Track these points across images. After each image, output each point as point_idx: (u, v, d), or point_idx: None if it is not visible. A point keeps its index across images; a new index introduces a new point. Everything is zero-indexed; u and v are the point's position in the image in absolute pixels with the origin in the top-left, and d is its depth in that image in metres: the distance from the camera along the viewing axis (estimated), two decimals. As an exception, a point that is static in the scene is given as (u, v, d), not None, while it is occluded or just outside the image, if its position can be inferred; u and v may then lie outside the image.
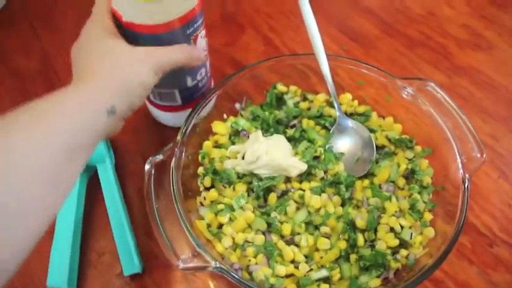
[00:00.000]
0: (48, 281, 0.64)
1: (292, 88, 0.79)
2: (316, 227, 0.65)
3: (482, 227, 0.71)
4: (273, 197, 0.66)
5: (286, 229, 0.64)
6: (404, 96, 0.72)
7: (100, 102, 0.50)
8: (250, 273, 0.61)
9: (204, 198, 0.67)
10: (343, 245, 0.64)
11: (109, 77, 0.53)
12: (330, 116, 0.76)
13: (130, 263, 0.66)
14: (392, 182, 0.70)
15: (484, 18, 0.97)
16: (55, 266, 0.64)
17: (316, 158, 0.69)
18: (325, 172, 0.69)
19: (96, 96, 0.50)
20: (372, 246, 0.63)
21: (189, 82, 0.69)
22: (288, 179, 0.69)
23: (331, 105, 0.76)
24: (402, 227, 0.64)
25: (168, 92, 0.70)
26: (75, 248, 0.67)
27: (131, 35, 0.59)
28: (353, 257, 0.63)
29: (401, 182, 0.69)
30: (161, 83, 0.59)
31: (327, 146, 0.72)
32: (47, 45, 0.95)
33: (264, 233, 0.65)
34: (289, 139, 0.72)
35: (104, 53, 0.55)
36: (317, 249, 0.64)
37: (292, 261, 0.63)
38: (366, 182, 0.70)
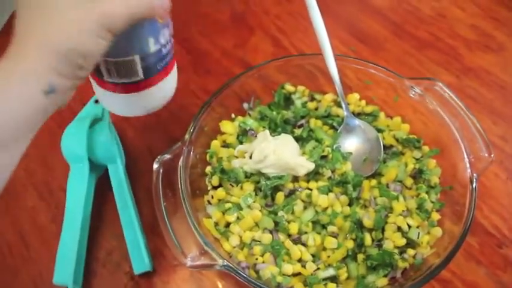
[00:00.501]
0: (54, 279, 0.64)
1: (300, 88, 0.79)
2: (324, 226, 0.65)
3: (491, 227, 0.71)
4: (280, 196, 0.66)
5: (294, 228, 0.64)
6: (412, 96, 0.72)
7: (34, 83, 0.42)
8: (257, 272, 0.62)
9: (212, 197, 0.68)
10: (350, 244, 0.64)
11: (44, 43, 0.42)
12: (338, 116, 0.76)
13: (140, 261, 0.66)
14: (400, 181, 0.70)
15: (493, 20, 0.96)
16: (61, 263, 0.65)
17: (323, 157, 0.69)
18: (332, 171, 0.69)
19: (28, 76, 0.42)
20: (379, 246, 0.63)
21: (152, 45, 0.53)
22: (295, 178, 0.69)
23: (338, 105, 0.76)
24: (409, 227, 0.64)
25: (127, 61, 0.53)
26: (82, 247, 0.68)
27: None
28: (360, 256, 0.63)
29: (409, 181, 0.69)
30: (116, 49, 0.48)
31: (334, 146, 0.72)
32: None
33: (271, 232, 0.65)
34: (297, 139, 0.72)
35: (41, 4, 0.44)
36: (324, 249, 0.64)
37: (299, 260, 0.63)
38: (374, 181, 0.70)
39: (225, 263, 0.56)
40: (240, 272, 0.56)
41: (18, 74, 0.41)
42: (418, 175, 0.69)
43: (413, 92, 0.72)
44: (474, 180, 0.63)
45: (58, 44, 0.42)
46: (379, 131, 0.74)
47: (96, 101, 0.75)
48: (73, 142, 0.71)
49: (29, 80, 0.42)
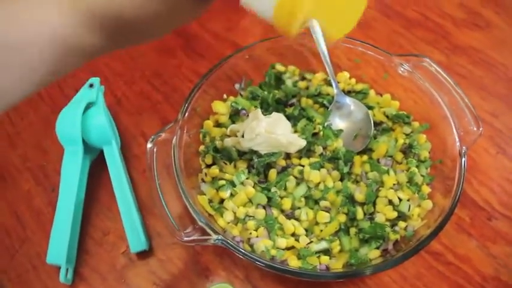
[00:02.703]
0: (47, 258, 0.66)
1: (291, 68, 0.80)
2: (316, 201, 0.67)
3: (481, 201, 0.72)
4: (273, 173, 0.67)
5: (286, 203, 0.65)
6: (401, 72, 0.73)
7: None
8: (251, 246, 0.63)
9: (206, 175, 0.68)
10: (342, 218, 0.65)
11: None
12: (328, 94, 0.76)
13: (137, 240, 0.67)
14: (390, 156, 0.71)
15: (481, -3, 0.97)
16: (54, 244, 0.66)
17: (315, 134, 0.70)
18: (324, 148, 0.70)
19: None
20: (371, 219, 0.64)
21: None
22: (287, 156, 0.70)
23: (329, 84, 0.76)
24: (400, 200, 0.65)
25: None
26: (75, 227, 0.69)
27: None
28: (352, 230, 0.64)
29: (399, 156, 0.70)
30: None
31: (325, 123, 0.72)
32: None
33: (264, 208, 0.66)
34: (289, 117, 0.72)
35: None
36: (317, 223, 0.65)
37: (293, 235, 0.64)
38: (365, 157, 0.71)
39: (220, 237, 0.57)
40: (234, 245, 0.57)
41: None
42: (408, 150, 0.70)
43: (401, 69, 0.73)
44: (463, 153, 0.64)
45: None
46: (369, 108, 0.75)
47: (91, 86, 0.76)
48: (67, 124, 0.71)
49: None
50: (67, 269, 0.66)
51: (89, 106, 0.74)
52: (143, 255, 0.68)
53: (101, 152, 0.75)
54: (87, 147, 0.73)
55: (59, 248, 0.66)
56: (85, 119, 0.72)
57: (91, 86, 0.76)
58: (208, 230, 0.58)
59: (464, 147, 0.64)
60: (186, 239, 0.58)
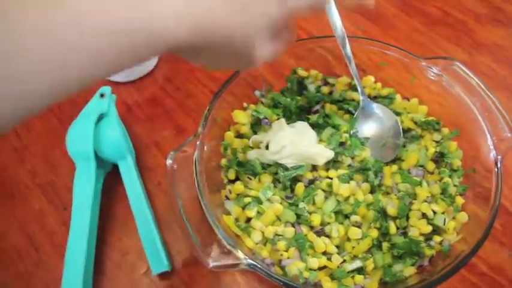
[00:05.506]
0: (62, 286, 0.61)
1: (313, 72, 0.76)
2: (347, 216, 0.63)
3: (513, 208, 0.69)
4: (300, 187, 0.64)
5: (316, 220, 0.62)
6: (430, 77, 0.70)
7: None
8: (282, 268, 0.60)
9: (230, 192, 0.65)
10: (374, 233, 0.62)
11: None
12: (353, 100, 0.73)
13: (158, 261, 0.64)
14: (422, 166, 0.68)
15: (502, -9, 0.94)
16: (69, 268, 0.62)
17: (341, 144, 0.67)
18: (352, 158, 0.67)
19: None
20: (405, 234, 0.62)
21: None
22: (314, 168, 0.66)
23: (353, 88, 0.73)
24: (434, 213, 0.62)
25: None
26: (91, 249, 0.65)
27: None
28: (385, 245, 0.61)
29: (431, 166, 0.67)
30: None
31: (352, 131, 0.69)
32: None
33: (293, 225, 0.63)
34: (313, 125, 0.69)
35: None
36: (348, 239, 0.62)
37: (324, 253, 0.61)
38: (394, 167, 0.68)
39: (251, 262, 0.54)
40: (266, 270, 0.53)
41: None
42: (439, 159, 0.67)
43: (431, 73, 0.69)
44: (499, 162, 0.61)
45: None
46: (397, 114, 0.72)
47: (101, 95, 0.72)
48: (79, 139, 0.68)
49: None
50: (83, 296, 0.62)
51: (100, 117, 0.70)
52: (165, 275, 0.65)
53: (115, 164, 0.72)
54: (100, 161, 0.69)
55: (73, 273, 0.61)
56: (97, 132, 0.68)
57: (102, 95, 0.72)
58: (238, 254, 0.54)
59: (499, 156, 0.61)
60: (213, 264, 0.54)
